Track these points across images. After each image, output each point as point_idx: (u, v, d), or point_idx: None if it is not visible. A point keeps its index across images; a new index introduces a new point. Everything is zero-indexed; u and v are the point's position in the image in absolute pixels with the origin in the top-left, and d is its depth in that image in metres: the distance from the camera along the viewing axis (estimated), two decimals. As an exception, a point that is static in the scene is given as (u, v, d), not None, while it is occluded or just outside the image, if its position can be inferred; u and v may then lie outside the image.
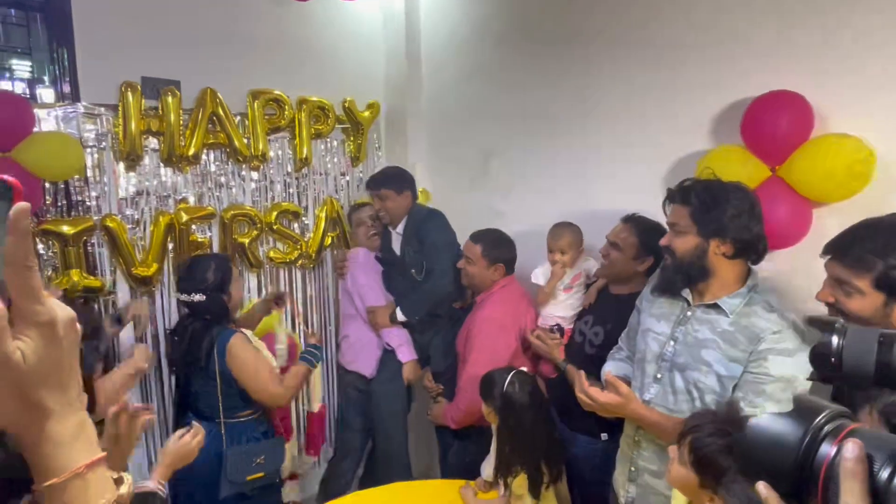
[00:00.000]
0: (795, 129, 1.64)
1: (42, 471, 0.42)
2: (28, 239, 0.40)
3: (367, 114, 2.90)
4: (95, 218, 2.22)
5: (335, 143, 2.88)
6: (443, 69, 2.85)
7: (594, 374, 1.74)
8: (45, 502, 0.42)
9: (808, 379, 0.68)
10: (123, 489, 0.46)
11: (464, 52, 2.74)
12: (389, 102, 3.00)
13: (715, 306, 1.41)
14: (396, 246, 2.58)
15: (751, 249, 1.39)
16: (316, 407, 2.52)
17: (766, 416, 0.50)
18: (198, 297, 1.94)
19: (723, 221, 1.35)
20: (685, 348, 1.44)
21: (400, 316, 2.46)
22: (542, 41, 2.40)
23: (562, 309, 2.10)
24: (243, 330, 2.03)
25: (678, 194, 1.44)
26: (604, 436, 1.92)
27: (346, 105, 2.82)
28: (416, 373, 2.57)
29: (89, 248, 2.22)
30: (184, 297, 1.98)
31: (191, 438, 1.51)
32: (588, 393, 1.42)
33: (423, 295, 2.42)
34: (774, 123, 1.65)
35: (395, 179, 2.50)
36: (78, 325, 0.44)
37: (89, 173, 2.21)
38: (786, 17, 1.71)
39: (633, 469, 1.56)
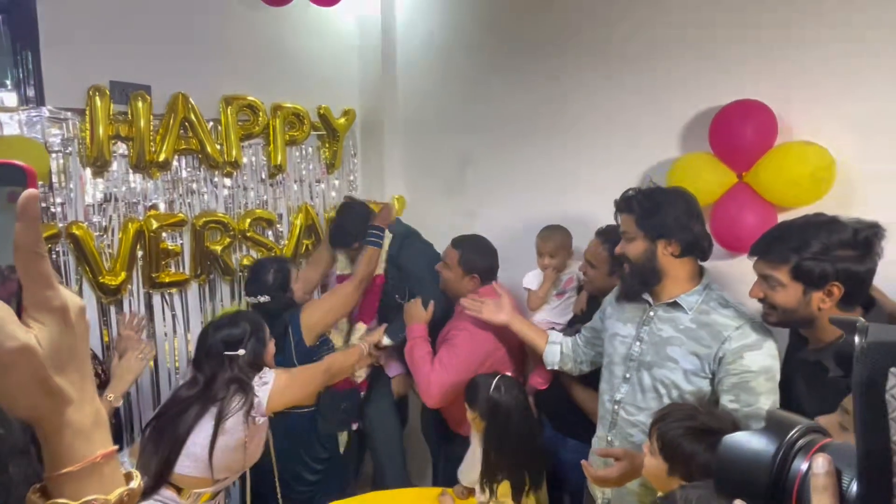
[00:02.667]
0: (760, 136, 1.69)
1: (59, 459, 0.42)
2: (37, 225, 0.39)
3: (342, 121, 2.89)
4: (60, 225, 2.15)
5: (310, 149, 2.86)
6: (419, 76, 2.86)
7: (593, 387, 1.80)
8: (58, 492, 0.42)
9: (834, 376, 0.69)
10: (134, 484, 0.46)
11: (439, 59, 2.76)
12: (365, 109, 3.00)
13: (675, 304, 1.49)
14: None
15: (696, 247, 1.49)
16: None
17: (739, 433, 0.51)
18: (263, 299, 2.15)
19: (665, 224, 1.46)
20: (651, 347, 1.51)
21: (386, 340, 2.38)
22: (516, 48, 2.44)
23: (555, 314, 2.08)
24: None
25: (623, 204, 1.54)
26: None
27: (322, 112, 2.81)
28: (405, 385, 2.53)
29: (54, 256, 2.15)
30: (251, 299, 2.19)
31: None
32: (598, 476, 1.43)
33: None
34: (740, 131, 1.70)
35: (358, 233, 2.37)
36: (87, 316, 0.43)
37: (54, 179, 2.14)
38: (751, 31, 1.77)
39: None
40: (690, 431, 1.14)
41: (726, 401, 1.38)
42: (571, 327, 2.04)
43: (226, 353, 1.70)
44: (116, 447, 0.45)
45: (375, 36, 2.90)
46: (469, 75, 2.64)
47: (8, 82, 2.13)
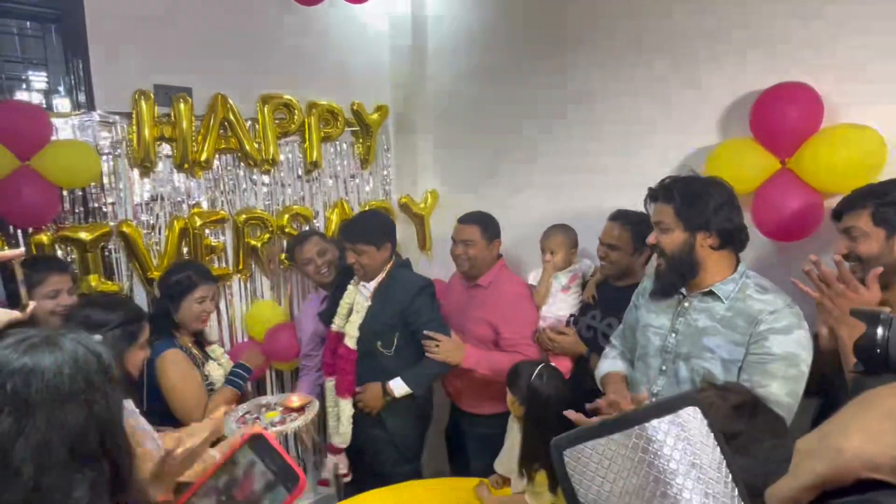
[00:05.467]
0: (805, 120, 1.63)
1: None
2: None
3: (375, 116, 2.92)
4: (112, 224, 2.26)
5: (345, 145, 2.90)
6: (449, 71, 2.86)
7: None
8: None
9: (853, 372, 0.67)
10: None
11: (470, 54, 2.75)
12: (398, 104, 3.02)
13: (710, 293, 1.45)
14: (359, 300, 2.21)
15: (735, 239, 1.45)
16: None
17: None
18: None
19: (706, 215, 1.41)
20: (687, 338, 1.47)
21: (400, 387, 2.13)
22: (547, 40, 2.41)
23: (566, 306, 2.14)
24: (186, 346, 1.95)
25: (660, 193, 1.48)
26: None
27: (355, 108, 2.85)
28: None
29: (106, 253, 2.27)
30: None
31: None
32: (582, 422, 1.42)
33: (433, 367, 2.15)
34: (783, 115, 1.64)
35: (376, 232, 2.14)
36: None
37: (105, 180, 2.25)
38: (793, 9, 1.70)
39: None
40: (734, 410, 1.09)
41: (741, 379, 1.36)
42: (586, 315, 2.09)
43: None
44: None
45: (406, 31, 2.92)
46: (500, 68, 2.63)
47: (61, 89, 2.25)
